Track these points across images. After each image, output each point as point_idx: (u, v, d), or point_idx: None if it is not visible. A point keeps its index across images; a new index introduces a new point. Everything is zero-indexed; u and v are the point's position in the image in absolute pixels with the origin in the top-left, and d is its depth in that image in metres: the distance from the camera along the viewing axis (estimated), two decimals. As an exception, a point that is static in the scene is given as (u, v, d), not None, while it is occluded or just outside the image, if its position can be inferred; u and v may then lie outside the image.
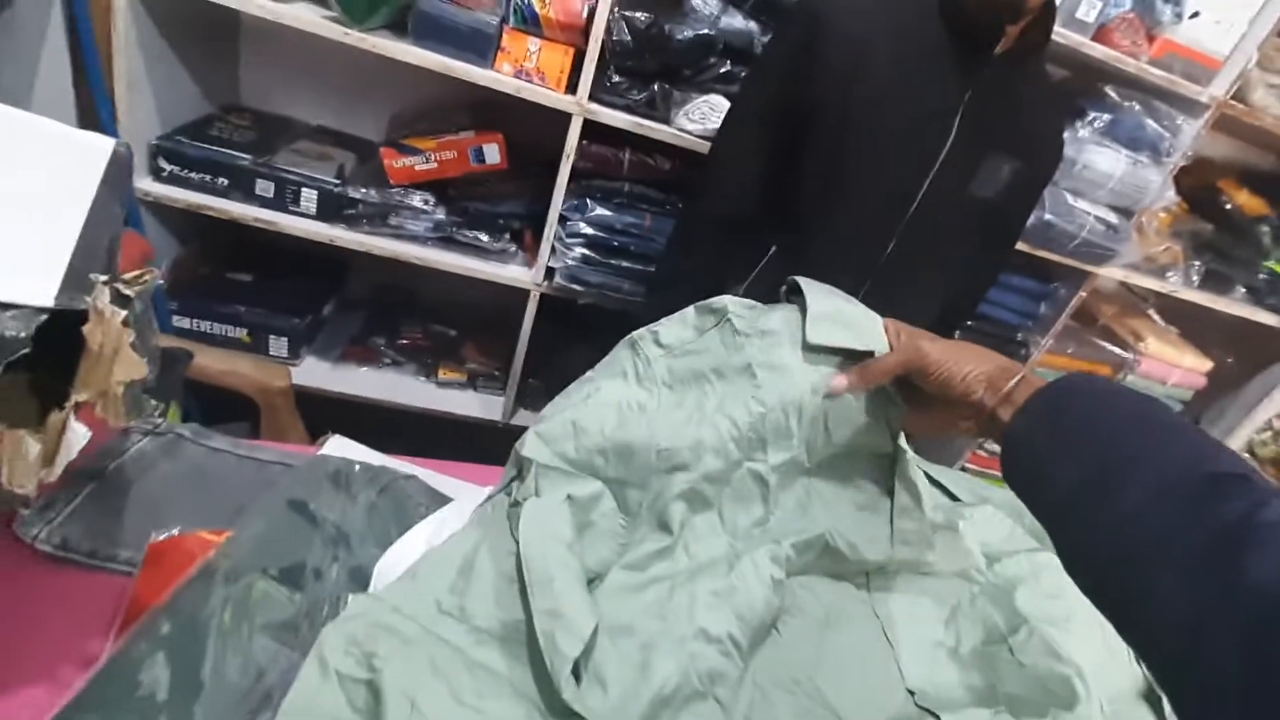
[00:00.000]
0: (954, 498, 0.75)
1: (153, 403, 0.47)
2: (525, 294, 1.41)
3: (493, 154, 1.31)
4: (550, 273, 1.38)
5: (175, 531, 0.52)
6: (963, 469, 1.74)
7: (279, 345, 1.47)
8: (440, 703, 0.39)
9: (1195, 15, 1.25)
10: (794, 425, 0.56)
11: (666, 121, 1.25)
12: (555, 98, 1.19)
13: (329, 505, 0.57)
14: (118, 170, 0.53)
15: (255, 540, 0.52)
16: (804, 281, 0.62)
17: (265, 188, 1.27)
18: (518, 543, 0.49)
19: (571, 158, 1.25)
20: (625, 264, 1.36)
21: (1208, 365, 1.65)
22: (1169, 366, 1.64)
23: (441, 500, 0.62)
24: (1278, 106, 1.35)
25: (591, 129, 1.25)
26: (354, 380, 1.54)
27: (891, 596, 0.56)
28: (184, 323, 1.41)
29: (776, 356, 0.57)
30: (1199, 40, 1.27)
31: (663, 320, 0.61)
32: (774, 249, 0.99)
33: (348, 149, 1.45)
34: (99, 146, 0.53)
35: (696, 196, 1.03)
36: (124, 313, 0.45)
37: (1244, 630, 0.31)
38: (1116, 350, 1.63)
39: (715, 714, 0.43)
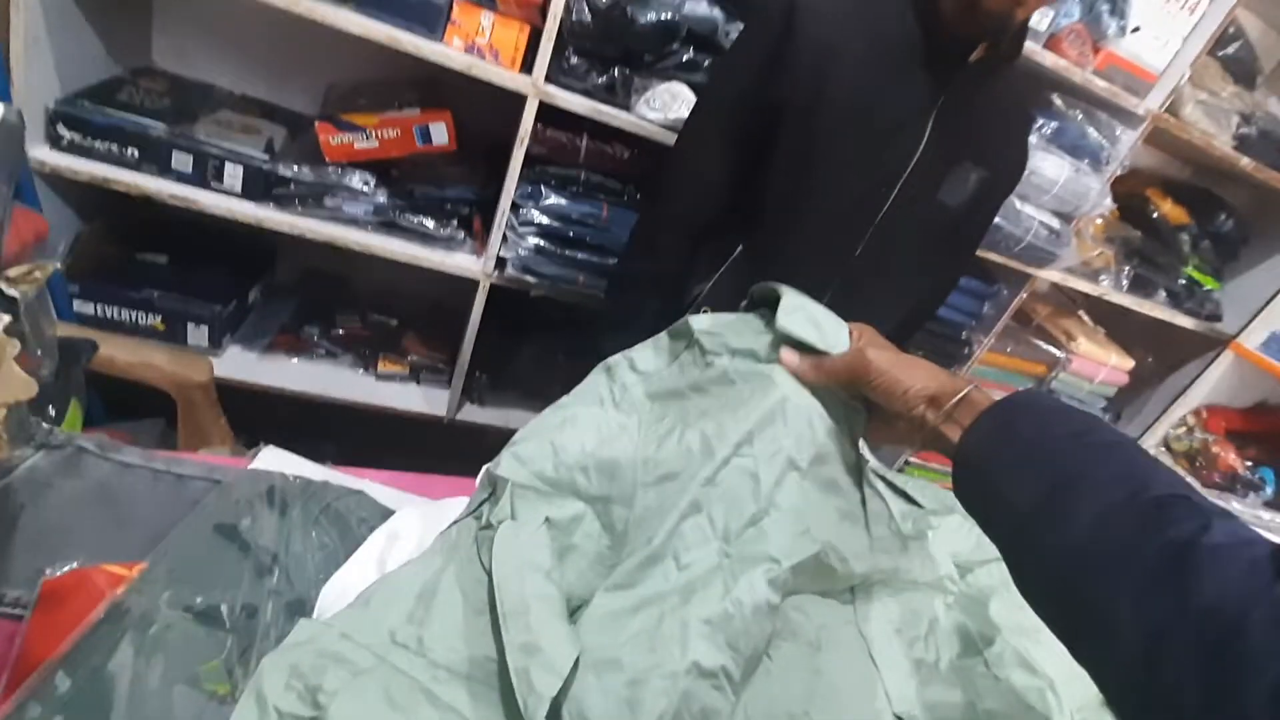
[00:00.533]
0: (918, 505, 0.74)
1: (44, 426, 0.40)
2: (473, 284, 1.34)
3: (440, 134, 1.23)
4: (501, 262, 1.31)
5: (75, 565, 0.44)
6: (906, 462, 1.78)
7: (198, 334, 1.35)
8: None
9: (1137, 30, 1.29)
10: (779, 423, 0.54)
11: (626, 108, 1.20)
12: (509, 77, 1.13)
13: (262, 529, 0.51)
14: (5, 140, 0.45)
15: (174, 573, 0.46)
16: (777, 284, 0.61)
17: (183, 161, 1.16)
18: (488, 571, 0.44)
19: (526, 142, 1.18)
20: (581, 255, 1.31)
21: (1130, 364, 1.74)
22: (1097, 365, 1.72)
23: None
24: (1205, 121, 1.42)
25: (547, 112, 1.19)
26: (284, 372, 1.43)
27: (872, 611, 0.54)
28: (87, 308, 1.28)
29: (749, 366, 0.57)
30: (1139, 55, 1.32)
31: (637, 346, 0.62)
32: (740, 249, 0.96)
33: (277, 122, 1.34)
34: (-23, 111, 0.44)
35: (660, 194, 0.99)
36: (6, 318, 0.37)
37: (1198, 652, 0.32)
38: (1051, 349, 1.70)
39: None
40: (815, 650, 0.49)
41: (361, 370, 1.51)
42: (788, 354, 0.56)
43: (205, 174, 1.17)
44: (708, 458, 0.52)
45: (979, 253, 1.41)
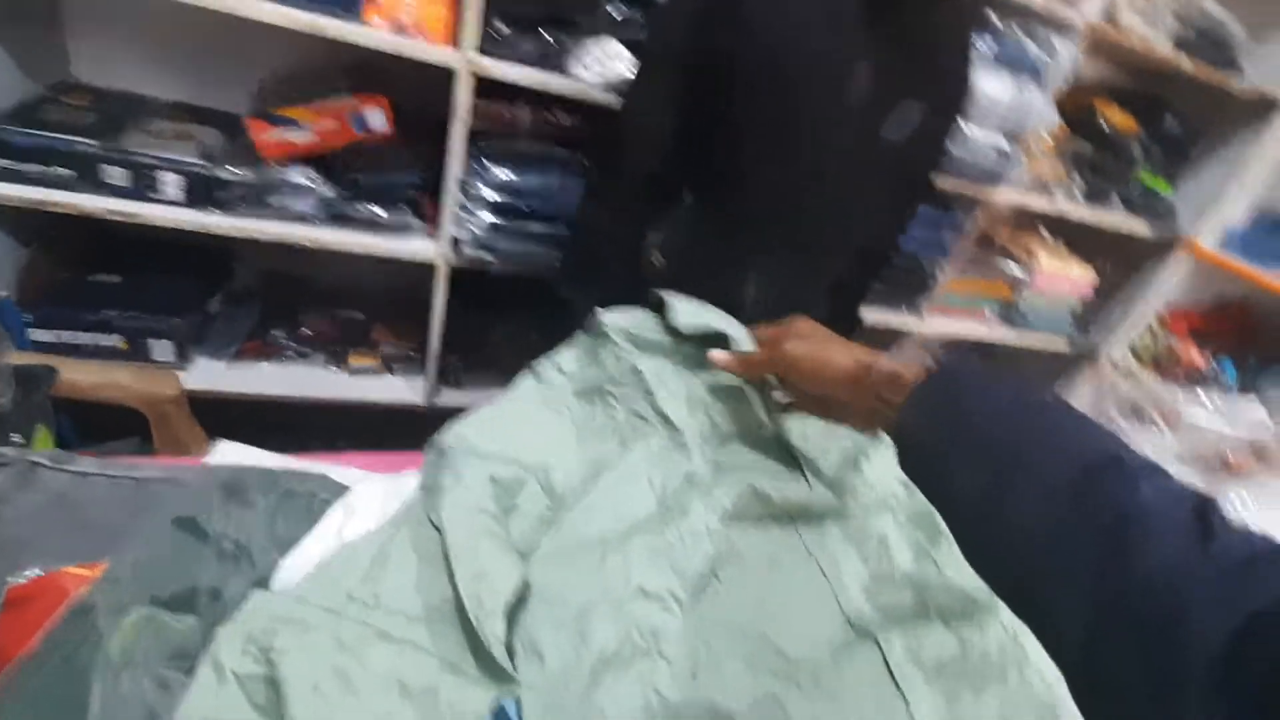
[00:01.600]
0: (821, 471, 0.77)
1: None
2: (433, 269, 1.34)
3: (377, 120, 1.21)
4: (457, 243, 1.31)
5: (38, 572, 0.45)
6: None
7: (162, 349, 1.34)
8: (349, 680, 0.36)
9: (1065, -63, 1.28)
10: (701, 409, 0.60)
11: (563, 72, 1.19)
12: (438, 53, 1.11)
13: (223, 519, 0.52)
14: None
15: (138, 568, 0.46)
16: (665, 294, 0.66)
17: (117, 175, 1.14)
18: (438, 527, 0.46)
19: (464, 118, 1.17)
20: (537, 228, 1.30)
21: (1092, 276, 1.77)
22: (1059, 280, 1.75)
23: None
24: (1143, 27, 1.42)
25: (484, 85, 1.17)
26: (255, 378, 1.43)
27: (822, 537, 0.56)
28: (45, 336, 1.26)
29: (658, 364, 0.62)
30: (1070, -38, 1.31)
31: (560, 348, 0.65)
32: (690, 199, 0.96)
33: (213, 125, 1.31)
34: None
35: (610, 151, 0.99)
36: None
37: (1138, 631, 0.31)
38: (1012, 268, 1.72)
39: (661, 670, 0.42)
40: (764, 570, 0.51)
41: (334, 367, 1.51)
42: (715, 353, 0.61)
43: (142, 186, 1.15)
44: (641, 439, 0.56)
45: (940, 181, 1.42)
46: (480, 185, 1.24)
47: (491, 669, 0.39)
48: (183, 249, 1.43)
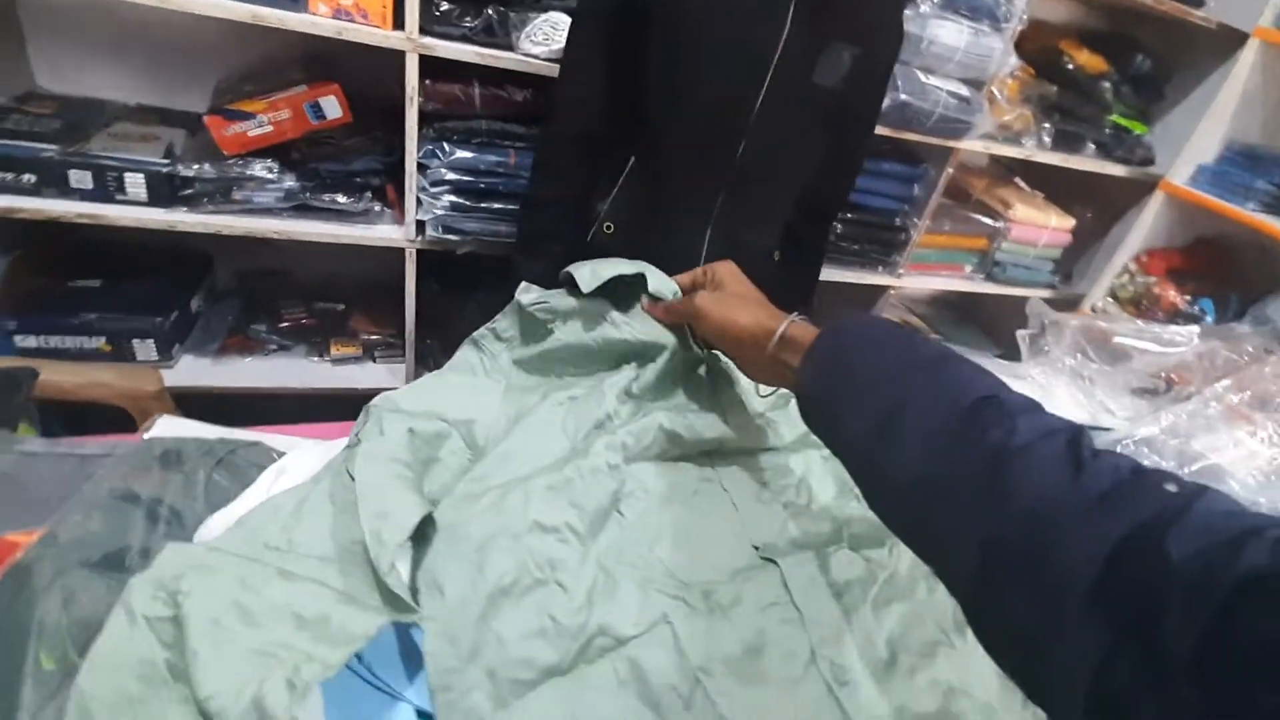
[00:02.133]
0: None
1: None
2: (402, 254, 1.36)
3: (332, 108, 1.23)
4: (421, 226, 1.32)
5: (-22, 539, 0.48)
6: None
7: (145, 349, 1.37)
8: (248, 613, 0.38)
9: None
10: (624, 366, 0.62)
11: (510, 48, 1.19)
12: (382, 35, 1.12)
13: (159, 487, 0.54)
14: None
15: (73, 533, 0.49)
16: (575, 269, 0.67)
17: (80, 178, 1.16)
18: (354, 476, 0.48)
19: (416, 100, 1.18)
20: (497, 205, 1.31)
21: (1071, 223, 1.75)
22: (1037, 229, 1.73)
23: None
24: (1100, -40, 1.40)
25: (433, 66, 1.18)
26: (239, 372, 1.46)
27: (737, 472, 0.58)
28: (29, 342, 1.30)
29: (573, 329, 0.63)
30: (1020, -101, 1.29)
31: (497, 316, 0.67)
32: (632, 161, 0.97)
33: (175, 125, 1.34)
34: None
35: (550, 116, 1.00)
36: None
37: (1022, 564, 0.32)
38: (988, 221, 1.71)
39: (558, 597, 0.44)
40: (668, 503, 0.52)
41: (316, 358, 1.54)
42: (646, 301, 0.63)
43: (107, 187, 1.18)
44: (563, 389, 0.59)
45: (896, 134, 1.42)
46: (439, 167, 1.26)
47: (392, 601, 0.41)
48: (161, 251, 1.46)
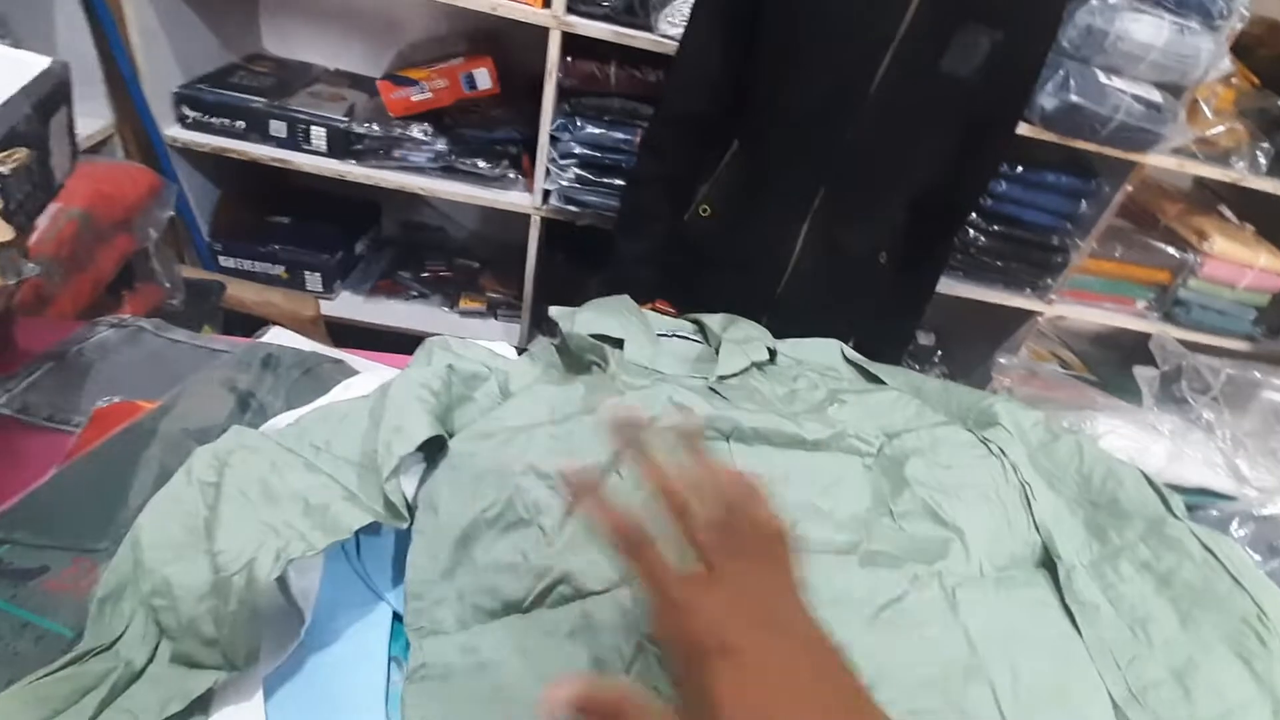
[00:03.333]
0: (875, 379, 0.73)
1: (30, 266, 0.54)
2: (528, 219, 1.45)
3: (484, 79, 1.33)
4: (547, 196, 1.40)
5: (119, 399, 0.60)
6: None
7: (314, 280, 1.59)
8: (270, 491, 0.44)
9: None
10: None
11: (648, 28, 1.22)
12: (531, 12, 1.19)
13: (256, 383, 0.64)
14: (48, 83, 0.60)
15: (180, 406, 0.59)
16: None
17: (278, 128, 1.36)
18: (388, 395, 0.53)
19: (555, 75, 1.25)
20: (619, 182, 1.36)
21: (1290, 265, 1.46)
22: (1239, 268, 1.47)
23: (363, 380, 0.68)
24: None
25: (575, 44, 1.24)
26: (383, 311, 1.64)
27: (752, 457, 0.56)
28: (229, 262, 1.55)
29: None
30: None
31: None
32: (736, 144, 0.96)
33: (361, 89, 1.52)
34: (32, 62, 0.60)
35: (664, 96, 1.01)
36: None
37: None
38: (1173, 251, 1.47)
39: (535, 539, 0.46)
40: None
41: (447, 308, 1.69)
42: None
43: (297, 138, 1.37)
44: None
45: (1063, 140, 1.26)
46: (569, 140, 1.32)
47: (389, 507, 0.46)
48: (342, 199, 1.68)
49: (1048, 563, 0.56)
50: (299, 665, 0.44)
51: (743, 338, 0.70)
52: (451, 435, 0.53)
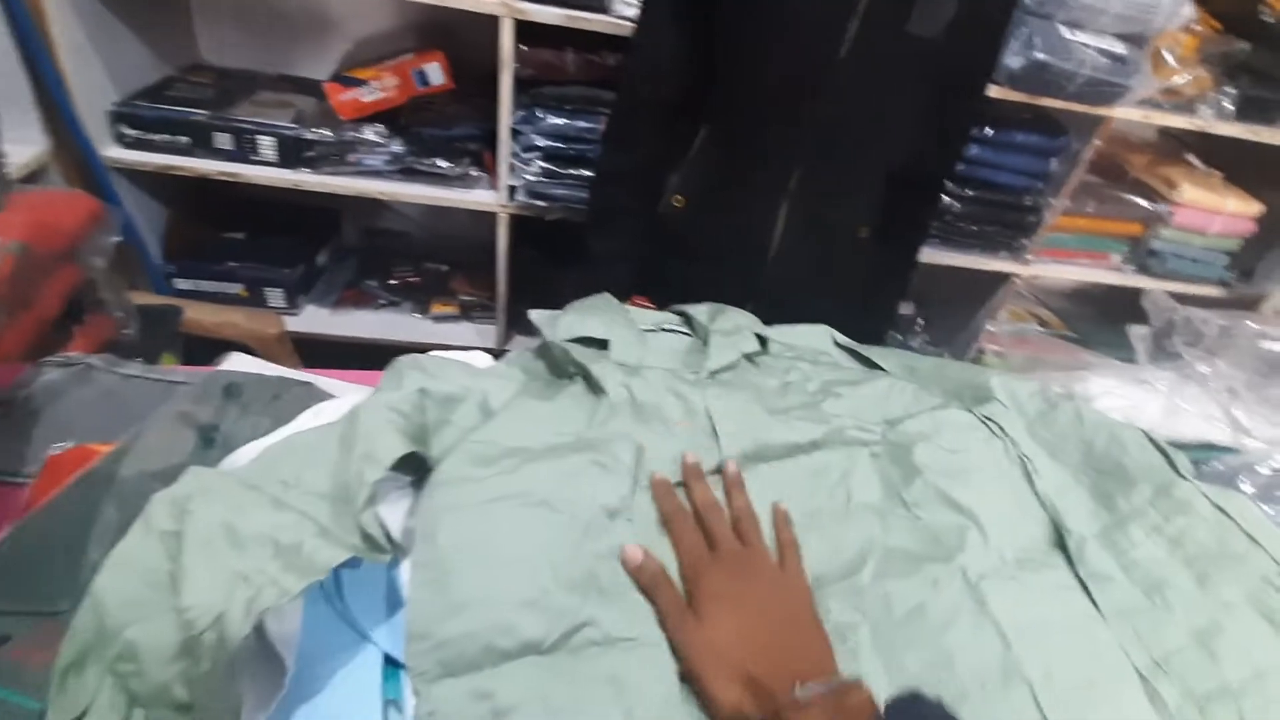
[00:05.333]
0: (873, 365, 0.71)
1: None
2: (495, 218, 1.40)
3: (436, 74, 1.28)
4: (513, 191, 1.36)
5: (71, 444, 0.56)
6: (980, 352, 1.65)
7: (275, 296, 1.53)
8: (235, 535, 0.41)
9: None
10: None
11: (603, 10, 1.18)
12: (480, 0, 1.14)
13: (219, 415, 0.60)
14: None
15: (140, 447, 0.55)
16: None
17: (224, 141, 1.30)
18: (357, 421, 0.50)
19: (510, 65, 1.20)
20: (586, 173, 1.32)
21: (1256, 209, 1.47)
22: (1209, 214, 1.47)
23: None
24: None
25: (529, 31, 1.20)
26: (352, 323, 1.59)
27: (749, 483, 0.53)
28: (185, 284, 1.49)
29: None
30: None
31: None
32: (705, 130, 0.93)
33: (308, 94, 1.46)
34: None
35: (623, 83, 0.98)
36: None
37: None
38: (1144, 203, 1.48)
39: (545, 574, 0.44)
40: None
41: (418, 315, 1.64)
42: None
43: (244, 149, 1.31)
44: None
45: (1032, 99, 1.25)
46: (531, 133, 1.28)
47: (368, 541, 0.43)
48: (298, 209, 1.62)
49: (1062, 542, 0.55)
50: (286, 719, 0.40)
51: (731, 328, 0.68)
52: (434, 461, 0.50)
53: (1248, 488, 0.58)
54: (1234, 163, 1.53)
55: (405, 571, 0.46)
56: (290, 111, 1.37)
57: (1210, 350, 0.75)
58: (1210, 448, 0.66)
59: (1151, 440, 0.59)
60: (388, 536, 0.46)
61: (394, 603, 0.46)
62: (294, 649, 0.41)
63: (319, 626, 0.44)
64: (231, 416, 0.61)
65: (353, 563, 0.45)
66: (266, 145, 1.31)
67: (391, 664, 0.44)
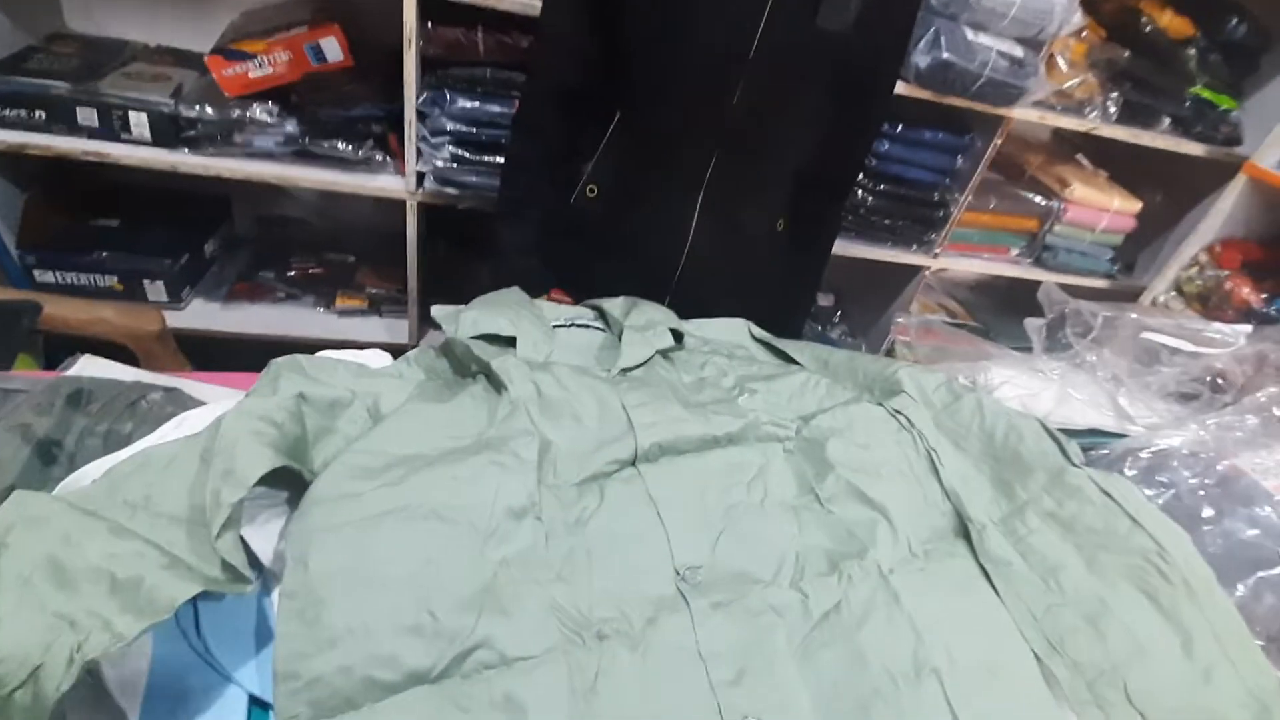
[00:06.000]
0: (789, 359, 0.71)
1: None
2: (404, 206, 1.33)
3: (333, 50, 1.19)
4: (422, 178, 1.29)
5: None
6: (893, 344, 1.70)
7: (156, 290, 1.40)
8: (63, 572, 0.35)
9: None
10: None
11: (514, -12, 1.13)
12: (378, -28, 1.07)
13: (60, 428, 0.53)
14: None
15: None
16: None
17: (88, 116, 1.17)
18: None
19: (415, 43, 1.13)
20: (499, 159, 1.26)
21: (1136, 206, 1.58)
22: (1097, 211, 1.57)
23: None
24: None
25: (435, 8, 1.13)
26: (247, 318, 1.47)
27: (662, 475, 0.52)
28: (47, 277, 1.34)
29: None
30: None
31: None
32: (618, 116, 0.90)
33: (189, 67, 1.33)
34: None
35: (531, 70, 0.93)
36: None
37: None
38: (1039, 200, 1.56)
39: (444, 592, 0.40)
40: (581, 526, 0.47)
41: (322, 309, 1.54)
42: None
43: (112, 126, 1.18)
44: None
45: (938, 99, 1.29)
46: (440, 116, 1.21)
47: (228, 570, 0.38)
48: (182, 194, 1.48)
49: (965, 531, 0.55)
50: (133, 778, 0.35)
51: (645, 323, 0.65)
52: (313, 475, 0.45)
53: (1130, 471, 0.61)
54: (1118, 163, 1.64)
55: (277, 602, 0.41)
56: (167, 86, 1.25)
57: (1097, 341, 0.79)
58: (1098, 433, 0.70)
59: (1046, 429, 0.62)
60: (256, 563, 0.41)
61: (264, 637, 0.41)
62: (138, 697, 0.36)
63: (174, 668, 0.39)
64: (76, 429, 0.53)
65: (215, 595, 0.40)
66: (138, 122, 1.18)
67: (260, 706, 0.39)
